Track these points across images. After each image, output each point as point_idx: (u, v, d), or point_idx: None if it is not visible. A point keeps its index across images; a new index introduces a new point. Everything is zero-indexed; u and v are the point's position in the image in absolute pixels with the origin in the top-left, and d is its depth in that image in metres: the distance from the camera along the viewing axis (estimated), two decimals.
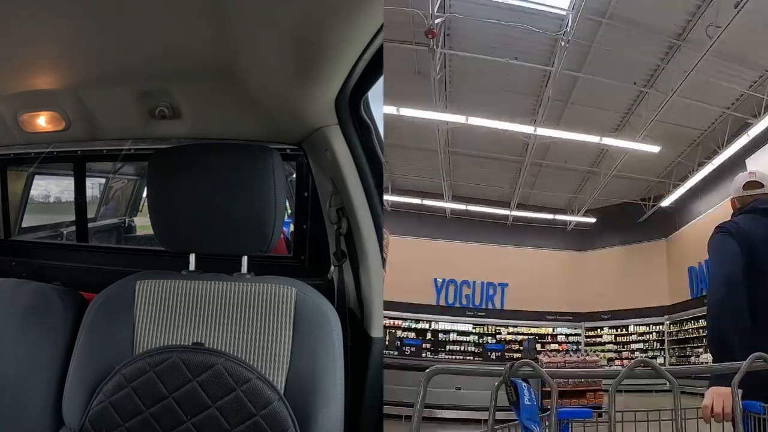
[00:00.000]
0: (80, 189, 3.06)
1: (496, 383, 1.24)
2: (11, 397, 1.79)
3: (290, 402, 1.64)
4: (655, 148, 11.63)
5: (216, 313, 1.76)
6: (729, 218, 2.19)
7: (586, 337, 17.04)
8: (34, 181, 3.68)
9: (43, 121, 2.10)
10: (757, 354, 1.26)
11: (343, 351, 1.76)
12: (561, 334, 17.13)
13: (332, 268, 2.13)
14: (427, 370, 1.24)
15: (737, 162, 10.97)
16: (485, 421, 1.26)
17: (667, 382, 1.23)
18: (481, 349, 15.59)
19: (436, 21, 8.37)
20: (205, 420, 1.61)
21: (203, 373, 1.64)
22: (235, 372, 1.64)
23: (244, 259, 1.86)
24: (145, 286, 1.79)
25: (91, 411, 1.66)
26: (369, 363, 1.97)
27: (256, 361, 1.70)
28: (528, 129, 11.48)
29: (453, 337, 16.72)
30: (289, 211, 2.70)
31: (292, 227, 2.62)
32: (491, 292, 17.11)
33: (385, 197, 14.22)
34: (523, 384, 1.24)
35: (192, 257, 1.86)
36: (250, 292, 1.76)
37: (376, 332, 1.99)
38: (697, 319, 14.13)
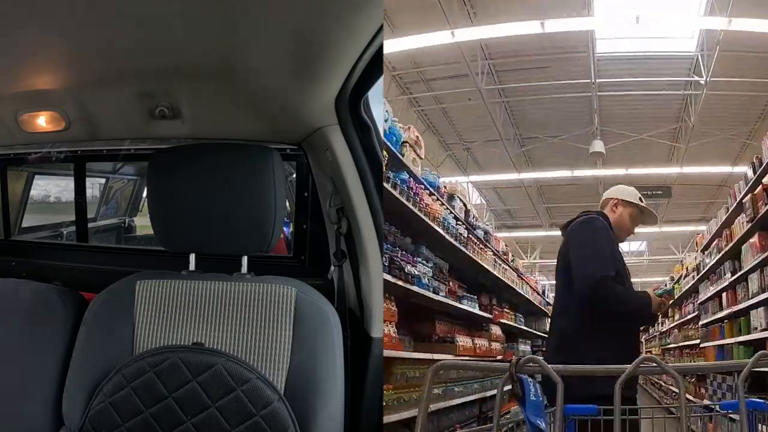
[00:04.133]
0: (80, 189, 3.06)
1: (502, 379, 1.25)
2: (11, 397, 1.79)
3: (290, 402, 1.64)
4: None
5: (216, 313, 1.76)
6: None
7: None
8: (34, 181, 3.68)
9: (43, 121, 2.10)
10: (762, 352, 1.27)
11: (343, 351, 1.76)
12: None
13: (332, 268, 2.13)
14: (433, 366, 1.25)
15: None
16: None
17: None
18: None
19: None
20: (205, 420, 1.61)
21: (203, 373, 1.64)
22: (235, 372, 1.64)
23: (244, 259, 1.86)
24: (145, 286, 1.79)
25: (91, 411, 1.66)
26: (369, 363, 1.97)
27: (256, 361, 1.70)
28: None
29: None
30: (289, 210, 2.70)
31: (292, 227, 2.62)
32: None
33: None
34: (529, 380, 1.24)
35: (192, 257, 1.86)
36: (250, 292, 1.76)
37: (376, 332, 1.99)
38: None
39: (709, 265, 7.17)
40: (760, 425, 1.43)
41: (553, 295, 3.02)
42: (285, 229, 2.77)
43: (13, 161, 3.12)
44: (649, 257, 21.55)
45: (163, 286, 1.79)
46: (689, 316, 9.09)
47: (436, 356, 4.32)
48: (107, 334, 1.77)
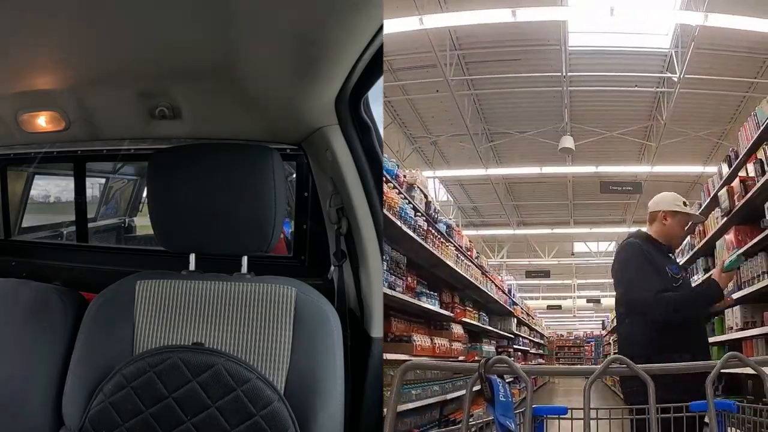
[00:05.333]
0: (80, 189, 3.06)
1: (471, 379, 1.24)
2: (11, 397, 1.79)
3: (290, 402, 1.64)
4: None
5: (216, 313, 1.76)
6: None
7: None
8: (34, 181, 3.67)
9: (43, 121, 2.10)
10: (731, 353, 1.28)
11: (343, 351, 1.76)
12: None
13: (332, 268, 2.13)
14: (402, 365, 1.24)
15: None
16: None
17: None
18: None
19: None
20: (205, 420, 1.61)
21: (203, 373, 1.63)
22: (235, 372, 1.64)
23: (244, 259, 1.86)
24: (145, 286, 1.79)
25: (90, 411, 1.65)
26: (369, 363, 1.97)
27: (256, 361, 1.70)
28: None
29: None
30: (289, 209, 2.70)
31: (292, 227, 2.62)
32: None
33: None
34: (498, 380, 1.23)
35: (192, 257, 1.86)
36: (250, 292, 1.76)
37: (376, 332, 1.99)
38: None
39: (680, 264, 7.02)
40: (729, 428, 1.43)
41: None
42: (285, 229, 2.77)
43: (13, 161, 3.12)
44: None
45: (163, 286, 1.79)
46: None
47: (389, 356, 4.16)
48: (107, 334, 1.77)
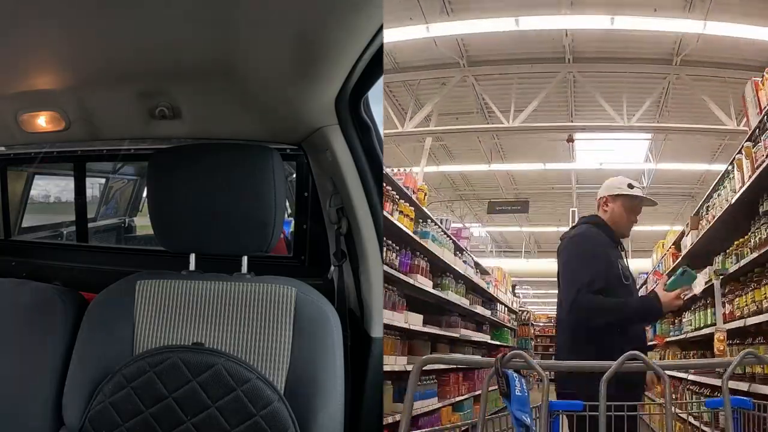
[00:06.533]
0: (80, 189, 3.06)
1: (488, 374, 1.25)
2: (11, 397, 1.79)
3: (290, 402, 1.65)
4: None
5: (216, 313, 1.76)
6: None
7: None
8: (34, 181, 3.67)
9: (43, 121, 2.10)
10: (747, 350, 1.28)
11: (343, 351, 1.76)
12: None
13: (332, 268, 2.13)
14: (419, 360, 1.25)
15: None
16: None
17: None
18: None
19: None
20: (205, 420, 1.61)
21: (203, 373, 1.64)
22: (235, 372, 1.64)
23: (244, 259, 1.86)
24: (145, 286, 1.79)
25: (90, 411, 1.66)
26: (369, 363, 1.97)
27: (256, 361, 1.70)
28: None
29: None
30: (289, 211, 2.70)
31: (292, 227, 2.62)
32: None
33: None
34: (514, 374, 1.24)
35: (192, 257, 1.86)
36: (250, 292, 1.77)
37: (376, 332, 2.00)
38: None
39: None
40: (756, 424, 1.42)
41: None
42: (285, 229, 2.77)
43: (13, 161, 3.12)
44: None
45: (163, 286, 1.79)
46: None
47: None
48: (107, 334, 1.77)
